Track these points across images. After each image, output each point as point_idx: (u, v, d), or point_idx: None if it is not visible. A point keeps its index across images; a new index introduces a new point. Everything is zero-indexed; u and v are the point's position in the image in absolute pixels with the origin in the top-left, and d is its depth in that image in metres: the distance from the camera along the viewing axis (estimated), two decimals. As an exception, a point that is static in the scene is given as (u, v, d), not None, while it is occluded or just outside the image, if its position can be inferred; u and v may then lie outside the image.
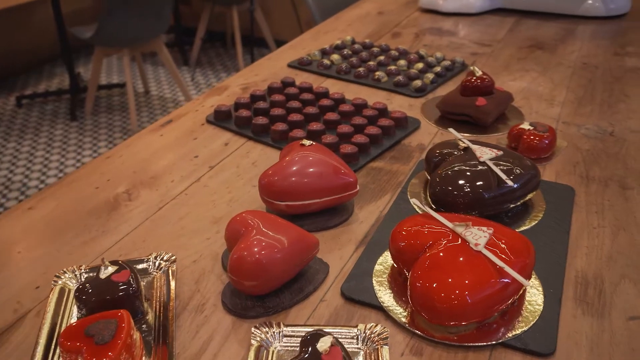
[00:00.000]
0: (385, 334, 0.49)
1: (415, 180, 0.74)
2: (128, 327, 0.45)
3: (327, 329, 0.49)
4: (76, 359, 0.44)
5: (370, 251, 0.61)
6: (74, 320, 0.52)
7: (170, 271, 0.57)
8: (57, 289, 0.55)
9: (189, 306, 0.55)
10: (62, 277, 0.56)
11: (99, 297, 0.50)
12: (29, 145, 2.72)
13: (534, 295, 0.55)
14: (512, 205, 0.65)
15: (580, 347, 0.49)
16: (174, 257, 0.59)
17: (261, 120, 0.86)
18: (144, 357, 0.48)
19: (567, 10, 1.41)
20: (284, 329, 0.50)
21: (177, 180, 0.76)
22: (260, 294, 0.54)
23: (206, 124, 0.91)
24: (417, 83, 1.00)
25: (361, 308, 0.54)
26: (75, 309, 0.53)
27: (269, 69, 1.13)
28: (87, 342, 0.44)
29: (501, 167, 0.65)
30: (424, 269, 0.51)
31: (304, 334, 0.46)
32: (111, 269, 0.52)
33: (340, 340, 0.46)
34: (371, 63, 1.10)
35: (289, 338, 0.49)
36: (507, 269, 0.49)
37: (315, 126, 0.83)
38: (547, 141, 0.78)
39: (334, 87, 1.04)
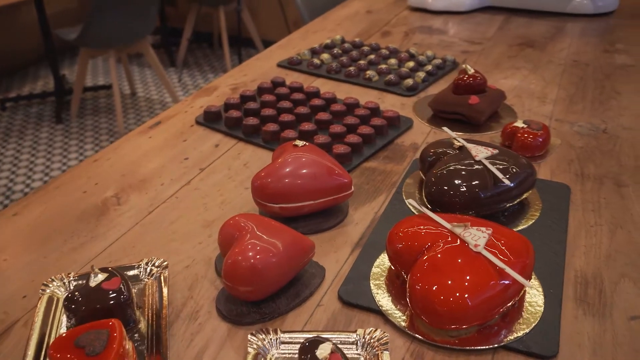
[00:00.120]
0: (385, 338, 0.48)
1: (409, 180, 0.73)
2: (120, 337, 0.44)
3: (325, 335, 0.48)
4: (66, 371, 0.42)
5: (366, 253, 0.60)
6: (63, 330, 0.50)
7: (162, 277, 0.55)
8: (45, 298, 0.53)
9: (182, 313, 0.53)
10: (50, 285, 0.55)
11: (89, 306, 0.48)
12: (14, 149, 2.68)
13: (534, 296, 0.54)
14: (508, 205, 0.65)
15: (582, 348, 0.49)
16: (165, 263, 0.57)
17: (252, 121, 0.85)
18: (136, 368, 0.46)
19: (555, 8, 1.41)
20: (281, 335, 0.48)
21: (167, 184, 0.74)
22: (255, 299, 0.52)
23: (196, 125, 0.89)
24: (409, 82, 0.99)
25: (359, 312, 0.53)
26: (64, 319, 0.51)
27: (258, 69, 1.11)
28: (78, 354, 0.42)
29: (497, 166, 0.64)
30: (423, 272, 0.50)
31: (302, 341, 0.45)
32: (101, 277, 0.50)
33: (339, 346, 0.45)
34: (362, 62, 1.09)
35: (286, 345, 0.48)
36: (508, 270, 0.49)
37: (307, 126, 0.82)
38: (541, 139, 0.78)
39: (325, 86, 1.03)
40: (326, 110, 0.91)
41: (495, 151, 0.67)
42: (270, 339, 0.48)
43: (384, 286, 0.55)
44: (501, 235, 0.53)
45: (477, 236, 0.51)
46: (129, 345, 0.45)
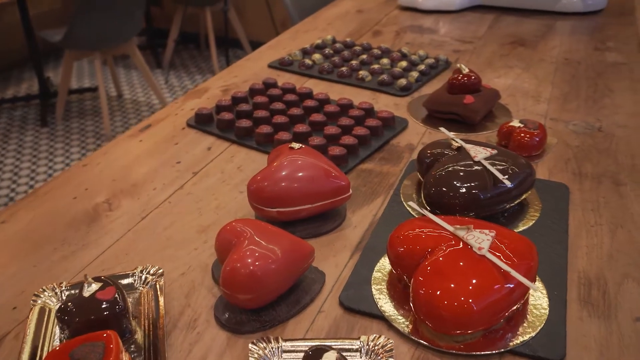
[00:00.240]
0: (389, 345, 0.46)
1: (407, 182, 0.72)
2: (117, 348, 0.42)
3: (328, 342, 0.47)
4: (61, 387, 0.40)
5: (366, 257, 0.59)
6: (56, 342, 0.49)
7: (157, 286, 0.54)
8: (36, 309, 0.51)
9: (179, 323, 0.52)
10: (42, 295, 0.53)
11: (83, 317, 0.46)
12: (-2, 153, 2.64)
13: (539, 298, 0.53)
14: (508, 206, 0.64)
15: (590, 351, 0.48)
16: (161, 271, 0.55)
17: (245, 123, 0.83)
18: (134, 380, 0.45)
19: (545, 7, 1.41)
20: (283, 343, 0.47)
21: (160, 188, 0.72)
22: (255, 307, 0.51)
23: (187, 128, 0.87)
24: (402, 82, 0.98)
25: (361, 318, 0.52)
26: (57, 331, 0.50)
27: (248, 70, 1.10)
28: (73, 368, 0.40)
29: (497, 167, 0.63)
30: (426, 276, 0.49)
31: (305, 349, 0.44)
32: (95, 286, 0.49)
33: (343, 354, 0.44)
34: (354, 62, 1.07)
35: (288, 353, 0.46)
36: (514, 273, 0.48)
37: (301, 128, 0.81)
38: (537, 138, 0.77)
39: (317, 87, 1.01)
40: (320, 111, 0.89)
41: (494, 151, 0.66)
42: (272, 348, 0.47)
43: (385, 291, 0.54)
44: (504, 238, 0.52)
45: (480, 239, 0.50)
46: (125, 357, 0.43)
